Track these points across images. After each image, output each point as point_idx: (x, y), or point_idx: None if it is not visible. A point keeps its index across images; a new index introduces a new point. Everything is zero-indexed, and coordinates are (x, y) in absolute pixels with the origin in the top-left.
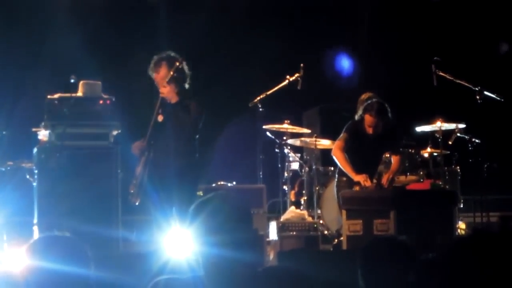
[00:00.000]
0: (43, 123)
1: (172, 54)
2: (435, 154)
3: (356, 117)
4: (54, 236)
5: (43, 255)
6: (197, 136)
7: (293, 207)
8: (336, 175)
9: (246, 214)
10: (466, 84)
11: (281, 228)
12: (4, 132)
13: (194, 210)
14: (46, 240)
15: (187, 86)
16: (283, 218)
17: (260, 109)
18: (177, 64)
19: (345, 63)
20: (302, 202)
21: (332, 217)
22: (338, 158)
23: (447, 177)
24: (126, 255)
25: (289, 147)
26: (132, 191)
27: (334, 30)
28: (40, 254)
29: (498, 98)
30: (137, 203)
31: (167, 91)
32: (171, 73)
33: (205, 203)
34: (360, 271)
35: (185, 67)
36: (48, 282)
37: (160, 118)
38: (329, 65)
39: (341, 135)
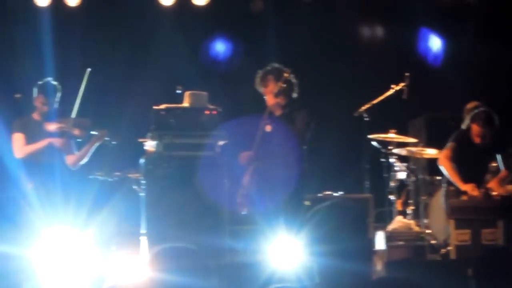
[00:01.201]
0: (149, 134)
1: (277, 65)
2: None
3: (463, 126)
4: (177, 247)
5: (165, 265)
6: (305, 146)
7: (400, 217)
8: (444, 185)
9: (362, 223)
10: None
11: (388, 238)
12: (113, 143)
13: (308, 219)
14: (168, 251)
15: (294, 96)
16: (390, 227)
17: (366, 119)
18: (285, 75)
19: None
20: (409, 212)
21: (439, 226)
22: (446, 168)
23: None
24: (233, 265)
25: (395, 157)
26: (239, 201)
27: (439, 37)
28: (163, 265)
29: None
30: (244, 213)
31: (275, 103)
32: (280, 84)
33: (319, 212)
34: (473, 282)
35: (292, 78)
36: None
37: (268, 128)
38: (435, 74)
39: (448, 144)
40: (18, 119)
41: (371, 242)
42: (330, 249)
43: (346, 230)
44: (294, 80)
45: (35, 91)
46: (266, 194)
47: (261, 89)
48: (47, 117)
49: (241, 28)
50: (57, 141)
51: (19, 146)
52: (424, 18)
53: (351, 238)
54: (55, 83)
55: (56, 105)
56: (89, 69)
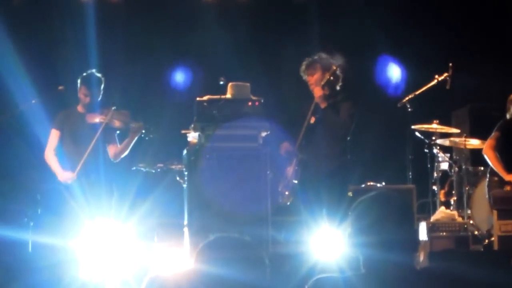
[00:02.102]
0: (192, 125)
1: (324, 56)
2: None
3: (508, 116)
4: (229, 237)
5: (216, 256)
6: (349, 138)
7: (443, 208)
8: (488, 175)
9: (407, 213)
10: None
11: (431, 229)
12: (151, 136)
13: (356, 209)
14: (221, 241)
15: (338, 88)
16: (433, 218)
17: (409, 109)
18: (334, 68)
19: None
20: (452, 202)
21: (482, 217)
22: (490, 157)
23: None
24: (276, 256)
25: (438, 147)
26: (282, 192)
27: (483, 27)
28: (214, 255)
29: None
30: (288, 204)
31: (321, 94)
32: (328, 77)
33: (365, 203)
34: None
35: (339, 71)
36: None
37: (312, 120)
38: (478, 64)
39: (493, 134)
40: (61, 111)
41: (416, 233)
42: (374, 239)
43: (391, 221)
44: (339, 73)
45: (78, 82)
46: (309, 185)
47: (306, 77)
48: (90, 109)
49: (284, 18)
50: (64, 178)
51: (50, 146)
52: None
53: (396, 228)
54: (98, 75)
55: (99, 97)
56: (114, 107)
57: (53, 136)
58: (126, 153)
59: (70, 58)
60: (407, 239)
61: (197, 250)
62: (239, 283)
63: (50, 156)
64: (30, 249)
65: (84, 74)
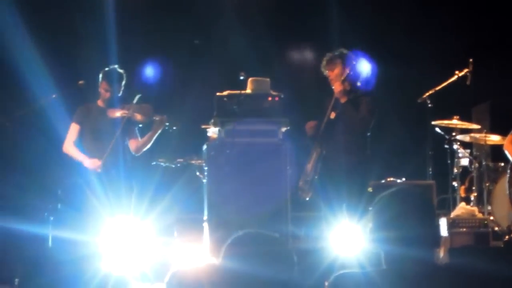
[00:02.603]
0: (212, 120)
1: (345, 51)
2: None
3: None
4: (258, 233)
5: (244, 251)
6: (369, 133)
7: (463, 203)
8: (508, 171)
9: (428, 209)
10: None
11: (451, 225)
12: (174, 128)
13: (377, 205)
14: (249, 237)
15: (358, 84)
16: (453, 214)
17: (429, 105)
18: (354, 63)
19: None
20: (472, 198)
21: (503, 213)
22: (510, 153)
23: None
24: (295, 251)
25: (458, 143)
26: (302, 187)
27: (505, 22)
28: (242, 251)
29: None
30: (307, 199)
31: (342, 89)
32: (348, 71)
33: (385, 199)
34: None
35: (360, 66)
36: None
37: (332, 115)
38: (499, 60)
39: None
40: (82, 106)
41: (438, 228)
42: (395, 235)
43: (412, 216)
44: (360, 69)
45: (100, 77)
46: (329, 181)
47: (327, 72)
48: (110, 104)
49: (304, 14)
50: (90, 164)
51: (68, 139)
52: None
53: (417, 224)
54: (120, 71)
55: (119, 93)
56: (139, 95)
57: (73, 130)
58: (148, 146)
59: (90, 53)
60: (428, 235)
61: (226, 245)
62: (266, 279)
63: (70, 147)
64: (50, 244)
65: (106, 69)
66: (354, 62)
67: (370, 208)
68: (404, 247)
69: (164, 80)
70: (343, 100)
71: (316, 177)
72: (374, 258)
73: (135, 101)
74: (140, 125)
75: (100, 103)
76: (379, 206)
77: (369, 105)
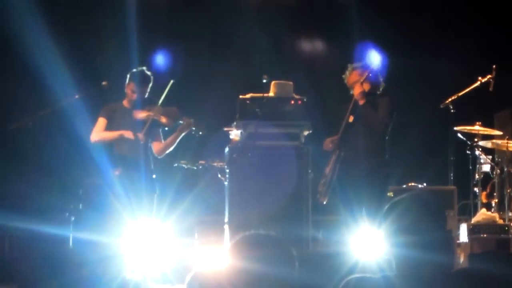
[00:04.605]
0: (235, 123)
1: (363, 61)
2: None
3: None
4: (259, 234)
5: (247, 253)
6: (387, 137)
7: (484, 209)
8: None
9: (440, 214)
10: None
11: (472, 230)
12: (200, 133)
13: (387, 210)
14: (251, 238)
15: (378, 92)
16: (474, 220)
17: (452, 110)
18: (373, 65)
19: None
20: (493, 204)
21: None
22: None
23: None
24: (316, 254)
25: (480, 149)
26: (320, 190)
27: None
28: (245, 253)
29: None
30: (324, 202)
31: (361, 91)
32: (367, 73)
33: (398, 203)
34: None
35: (379, 74)
36: (251, 282)
37: (351, 118)
38: None
39: None
40: (109, 104)
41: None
42: (410, 240)
43: (425, 222)
44: (380, 78)
45: (128, 78)
46: (348, 183)
47: (348, 83)
48: (136, 105)
49: (326, 19)
50: (130, 134)
51: (96, 130)
52: None
53: (428, 229)
54: (148, 73)
55: (145, 95)
56: (172, 81)
57: (100, 123)
58: (171, 149)
59: (113, 53)
60: (441, 240)
61: (229, 247)
62: (270, 278)
63: (99, 133)
64: (71, 245)
65: (134, 70)
66: (373, 65)
67: (383, 214)
68: (417, 251)
69: (185, 82)
70: (361, 102)
71: (334, 180)
72: (389, 263)
73: (168, 88)
74: (166, 128)
75: (125, 103)
76: (391, 212)
77: (388, 106)
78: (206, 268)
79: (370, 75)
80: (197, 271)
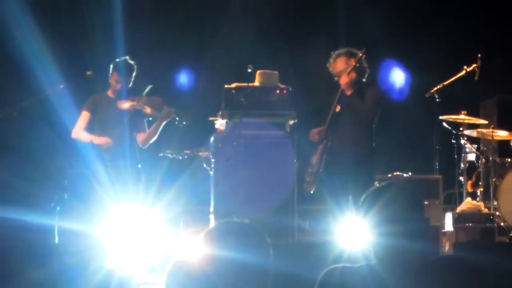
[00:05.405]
0: (220, 112)
1: (351, 50)
2: None
3: None
4: (232, 222)
5: (221, 242)
6: (374, 126)
7: (469, 198)
8: None
9: (418, 203)
10: None
11: (457, 219)
12: (184, 123)
13: (366, 200)
14: (224, 226)
15: (364, 79)
16: (459, 209)
17: (437, 100)
18: (360, 55)
19: None
20: (479, 194)
21: (509, 208)
22: None
23: None
24: (301, 244)
25: (465, 138)
26: (307, 180)
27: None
28: (218, 241)
29: None
30: (311, 192)
31: (348, 81)
32: (354, 63)
33: (377, 193)
34: None
35: (364, 61)
36: (225, 270)
37: (338, 108)
38: (507, 55)
39: None
40: (93, 95)
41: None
42: (390, 229)
43: (403, 211)
44: (365, 64)
45: (111, 68)
46: (335, 173)
47: (333, 70)
48: (120, 95)
49: (311, 6)
50: (99, 141)
51: (78, 126)
52: None
53: (409, 218)
54: (131, 62)
55: (129, 84)
56: (150, 86)
57: (83, 118)
58: (154, 138)
59: (98, 43)
60: (418, 228)
61: (203, 236)
62: (244, 266)
63: (79, 131)
64: (56, 235)
65: (117, 60)
66: (359, 53)
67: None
68: (397, 240)
69: (171, 71)
70: (349, 92)
71: (321, 169)
72: (371, 252)
73: (145, 92)
74: (150, 118)
75: (110, 93)
76: (370, 201)
77: (375, 95)
78: (186, 257)
79: (357, 65)
80: (178, 259)
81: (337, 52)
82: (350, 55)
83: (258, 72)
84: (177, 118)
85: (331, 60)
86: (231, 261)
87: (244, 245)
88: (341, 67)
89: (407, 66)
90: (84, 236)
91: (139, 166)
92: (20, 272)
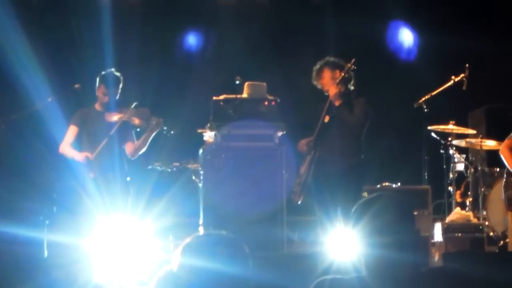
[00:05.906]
0: (208, 124)
1: (331, 59)
2: None
3: None
4: (209, 234)
5: (198, 253)
6: (363, 137)
7: (458, 208)
8: (504, 176)
9: (409, 215)
10: None
11: (446, 230)
12: (172, 132)
13: (357, 211)
14: (201, 238)
15: (352, 88)
16: (448, 219)
17: (425, 110)
18: (348, 66)
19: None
20: (468, 203)
21: (498, 218)
22: (506, 157)
23: None
24: (291, 255)
25: (454, 148)
26: (295, 190)
27: (501, 28)
28: (196, 252)
29: None
30: (299, 202)
31: (337, 92)
32: (342, 74)
33: (368, 204)
34: None
35: (351, 70)
36: (206, 280)
37: (326, 118)
38: (495, 65)
39: (510, 134)
40: (81, 109)
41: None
42: (381, 240)
43: (394, 222)
44: (352, 72)
45: (97, 81)
46: (324, 184)
47: (317, 83)
48: (108, 108)
49: (300, 18)
50: (81, 157)
51: (65, 141)
52: None
53: (399, 229)
54: (117, 74)
55: (117, 96)
56: (135, 103)
57: (71, 132)
58: (143, 149)
59: (86, 56)
60: (409, 239)
61: (180, 249)
62: (223, 278)
63: (66, 147)
64: (45, 248)
65: (103, 72)
66: (348, 64)
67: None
68: (388, 251)
69: (160, 84)
70: (337, 103)
71: (309, 180)
72: (361, 263)
73: (132, 107)
74: (138, 129)
75: (97, 107)
76: (360, 212)
77: (364, 107)
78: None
79: (346, 75)
80: (168, 269)
81: (318, 66)
82: (333, 65)
83: (246, 83)
84: (165, 128)
85: (314, 74)
86: (209, 271)
87: (221, 255)
88: (327, 79)
89: (394, 76)
90: (72, 250)
91: (128, 178)
92: (9, 286)
